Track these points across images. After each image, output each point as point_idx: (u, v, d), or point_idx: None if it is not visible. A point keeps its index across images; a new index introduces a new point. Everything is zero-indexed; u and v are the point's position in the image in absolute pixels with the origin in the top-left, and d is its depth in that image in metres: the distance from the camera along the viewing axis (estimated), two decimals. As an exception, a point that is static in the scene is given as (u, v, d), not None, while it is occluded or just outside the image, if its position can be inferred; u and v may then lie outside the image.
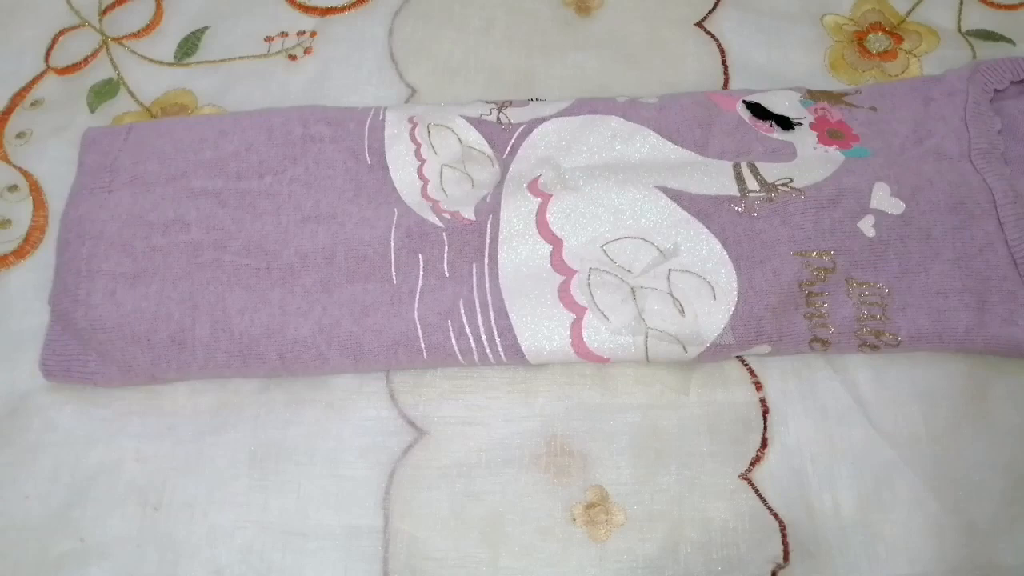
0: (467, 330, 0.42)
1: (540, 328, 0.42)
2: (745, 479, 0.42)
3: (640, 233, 0.44)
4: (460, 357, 0.42)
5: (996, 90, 0.48)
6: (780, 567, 0.40)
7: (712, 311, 0.42)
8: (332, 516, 0.41)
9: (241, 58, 0.55)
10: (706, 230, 0.44)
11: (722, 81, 0.54)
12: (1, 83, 0.54)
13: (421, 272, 0.44)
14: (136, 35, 0.56)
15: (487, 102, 0.49)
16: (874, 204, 0.44)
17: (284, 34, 0.56)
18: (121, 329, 0.42)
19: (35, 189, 0.50)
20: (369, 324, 0.42)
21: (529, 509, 0.41)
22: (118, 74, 0.55)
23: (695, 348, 0.42)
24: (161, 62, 0.55)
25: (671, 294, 0.42)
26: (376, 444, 0.43)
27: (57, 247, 0.46)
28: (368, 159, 0.47)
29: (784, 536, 0.41)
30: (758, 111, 0.48)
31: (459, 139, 0.48)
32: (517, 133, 0.48)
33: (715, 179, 0.45)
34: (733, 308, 0.42)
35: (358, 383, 0.44)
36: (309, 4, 0.57)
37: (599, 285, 0.43)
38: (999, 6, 0.56)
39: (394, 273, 0.44)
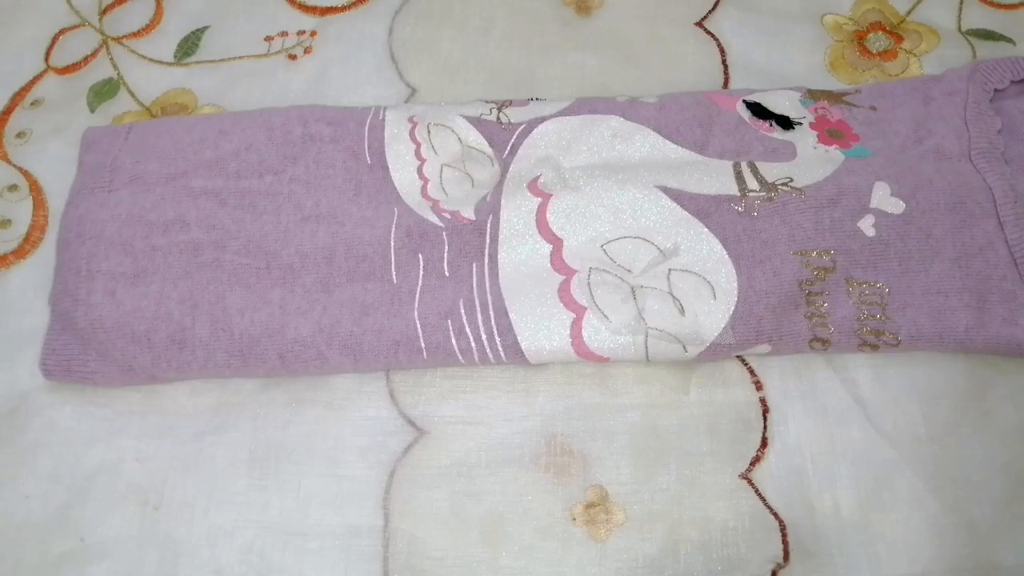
0: (467, 330, 0.42)
1: (540, 328, 0.42)
2: (745, 479, 0.42)
3: (640, 233, 0.44)
4: (460, 357, 0.42)
5: (996, 90, 0.48)
6: (780, 567, 0.40)
7: (712, 310, 0.42)
8: (332, 516, 0.41)
9: (241, 58, 0.55)
10: (706, 230, 0.44)
11: (722, 81, 0.54)
12: (1, 83, 0.54)
13: (421, 272, 0.44)
14: (136, 35, 0.56)
15: (487, 102, 0.49)
16: (874, 204, 0.44)
17: (284, 34, 0.56)
18: (121, 329, 0.42)
19: (35, 189, 0.50)
20: (369, 324, 0.42)
21: (529, 509, 0.41)
22: (118, 74, 0.55)
23: (695, 348, 0.42)
24: (161, 62, 0.55)
25: (671, 294, 0.42)
26: (376, 444, 0.43)
27: (57, 247, 0.46)
28: (368, 159, 0.47)
29: (784, 536, 0.41)
30: (758, 110, 0.48)
31: (459, 139, 0.48)
32: (517, 133, 0.48)
33: (715, 178, 0.45)
34: (733, 307, 0.42)
35: (358, 383, 0.44)
36: (309, 4, 0.57)
37: (599, 285, 0.43)
38: (999, 6, 0.56)
39: (394, 273, 0.44)
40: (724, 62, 0.54)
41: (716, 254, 0.43)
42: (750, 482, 0.42)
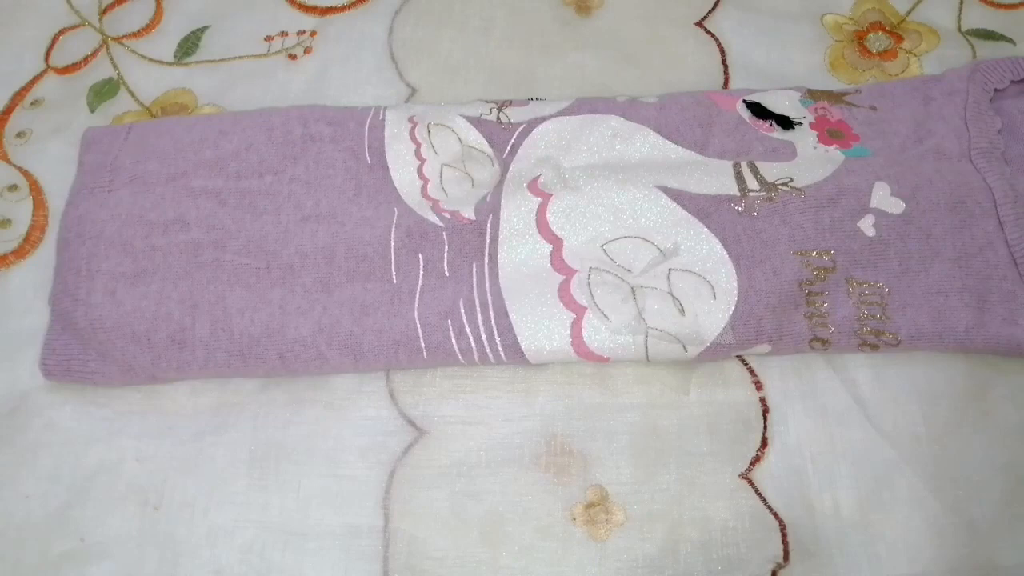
0: (467, 330, 0.42)
1: (540, 327, 0.42)
2: (745, 479, 0.42)
3: (640, 233, 0.44)
4: (460, 357, 0.42)
5: (996, 90, 0.48)
6: (780, 567, 0.40)
7: (712, 310, 0.42)
8: (332, 515, 0.41)
9: (241, 58, 0.55)
10: (706, 229, 0.44)
11: (722, 80, 0.54)
12: (1, 83, 0.54)
13: (421, 272, 0.44)
14: (136, 35, 0.56)
15: (487, 102, 0.49)
16: (874, 203, 0.44)
17: (284, 34, 0.56)
18: (121, 329, 0.42)
19: (35, 189, 0.50)
20: (369, 324, 0.42)
21: (529, 509, 0.41)
22: (118, 74, 0.55)
23: (695, 347, 0.42)
24: (161, 61, 0.55)
25: (671, 293, 0.42)
26: (376, 444, 0.43)
27: (57, 246, 0.46)
28: (368, 159, 0.47)
29: (784, 536, 0.41)
30: (758, 110, 0.48)
31: (459, 139, 0.48)
32: (517, 133, 0.48)
33: (715, 178, 0.45)
34: (733, 307, 0.42)
35: (358, 383, 0.44)
36: (309, 4, 0.57)
37: (599, 284, 0.43)
38: (999, 6, 0.56)
39: (394, 273, 0.44)
40: (724, 62, 0.54)
41: (716, 254, 0.43)
42: (750, 482, 0.42)
